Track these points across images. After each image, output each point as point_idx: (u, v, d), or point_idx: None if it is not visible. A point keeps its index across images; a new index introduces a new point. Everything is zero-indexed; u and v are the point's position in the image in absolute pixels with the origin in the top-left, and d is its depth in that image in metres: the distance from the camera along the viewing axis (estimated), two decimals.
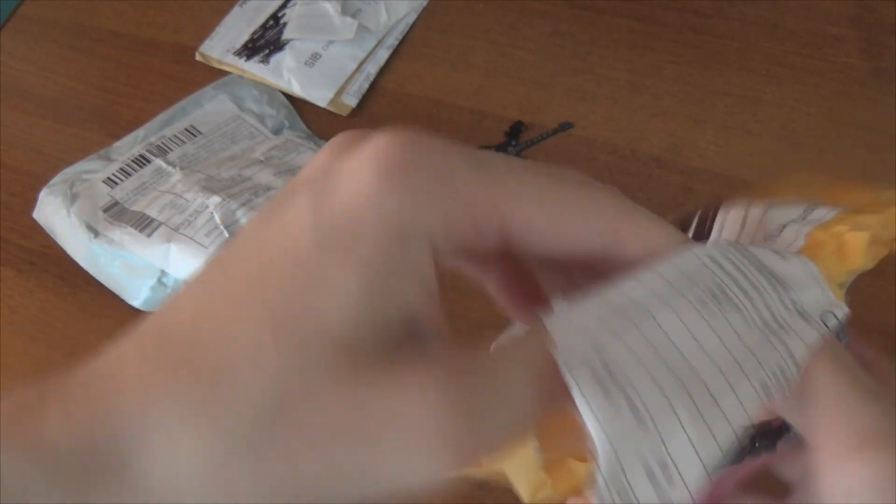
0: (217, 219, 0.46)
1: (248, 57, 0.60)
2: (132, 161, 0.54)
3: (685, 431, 0.18)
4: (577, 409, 0.18)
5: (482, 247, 0.19)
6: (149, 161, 0.53)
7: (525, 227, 0.19)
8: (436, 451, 0.17)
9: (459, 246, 0.19)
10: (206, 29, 0.63)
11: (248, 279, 0.18)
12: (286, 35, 0.60)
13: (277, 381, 0.17)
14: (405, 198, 0.17)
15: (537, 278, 0.23)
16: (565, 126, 0.52)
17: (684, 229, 0.28)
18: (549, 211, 0.19)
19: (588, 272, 0.20)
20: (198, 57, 0.62)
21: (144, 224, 0.48)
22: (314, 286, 0.17)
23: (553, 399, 0.18)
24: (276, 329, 0.17)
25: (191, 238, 0.46)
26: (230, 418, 0.17)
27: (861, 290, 0.45)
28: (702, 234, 0.27)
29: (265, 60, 0.59)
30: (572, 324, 0.19)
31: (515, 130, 0.54)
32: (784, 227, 0.27)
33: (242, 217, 0.46)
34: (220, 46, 0.62)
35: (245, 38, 0.61)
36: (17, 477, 0.16)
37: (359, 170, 0.18)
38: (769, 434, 0.26)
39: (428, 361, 0.18)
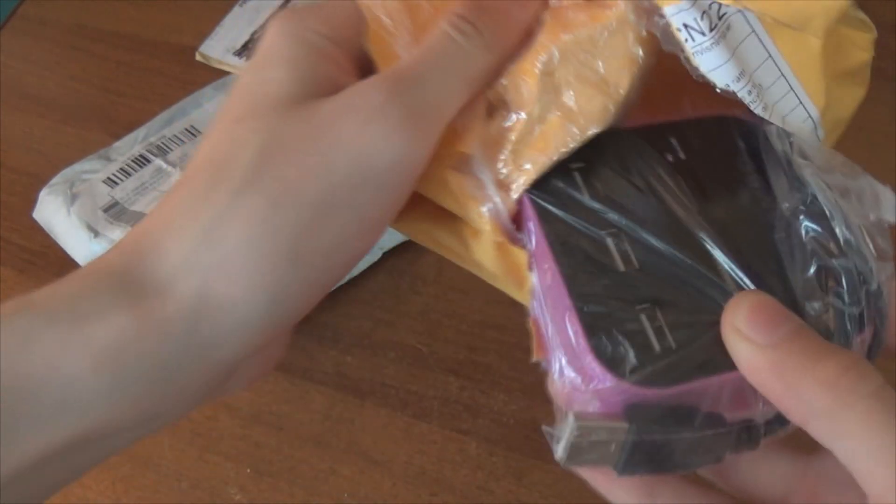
0: None
1: (249, 57, 0.60)
2: (132, 161, 0.54)
3: None
4: None
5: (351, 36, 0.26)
6: (149, 161, 0.53)
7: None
8: (383, 120, 0.22)
9: (339, 36, 0.25)
10: (206, 29, 0.63)
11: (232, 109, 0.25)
12: None
13: (247, 133, 0.23)
14: (300, 19, 0.25)
15: None
16: None
17: None
18: None
19: None
20: (198, 57, 0.62)
21: None
22: (259, 82, 0.24)
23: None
24: (241, 110, 0.24)
25: None
26: (226, 178, 0.22)
27: None
28: None
29: None
30: None
31: None
32: None
33: None
34: (220, 46, 0.62)
35: (245, 38, 0.62)
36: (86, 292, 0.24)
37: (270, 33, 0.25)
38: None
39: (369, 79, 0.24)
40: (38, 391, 0.21)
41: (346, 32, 0.26)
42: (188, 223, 0.23)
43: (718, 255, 0.24)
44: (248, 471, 0.45)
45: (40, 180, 0.55)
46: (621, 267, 0.24)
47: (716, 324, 0.22)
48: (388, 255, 0.50)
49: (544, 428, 0.23)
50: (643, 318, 0.23)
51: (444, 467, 0.44)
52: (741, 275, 0.24)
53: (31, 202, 0.54)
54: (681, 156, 0.26)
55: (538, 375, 0.48)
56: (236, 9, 0.64)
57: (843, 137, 0.50)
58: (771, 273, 0.24)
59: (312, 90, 0.24)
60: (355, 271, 0.49)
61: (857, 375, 0.19)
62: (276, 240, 0.22)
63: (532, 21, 0.25)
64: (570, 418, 0.22)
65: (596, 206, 0.25)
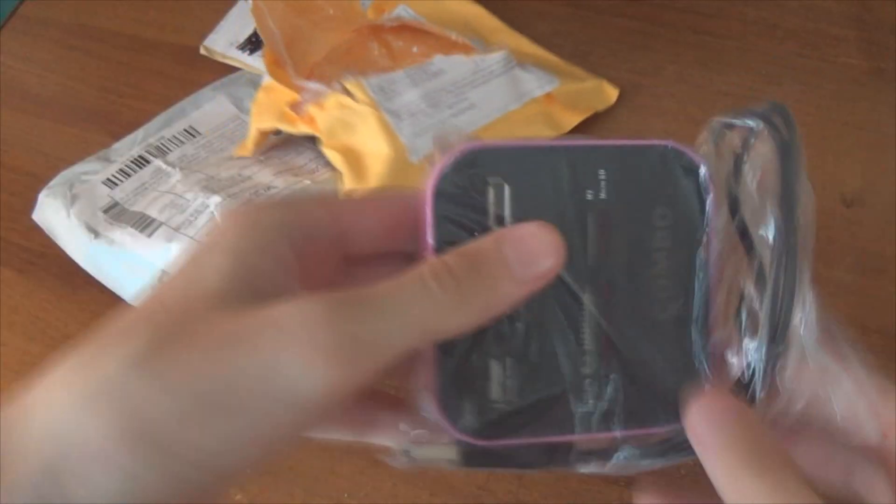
0: (218, 218, 0.46)
1: (252, 51, 0.60)
2: (132, 162, 0.54)
3: None
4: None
5: (323, 239, 0.24)
6: (148, 162, 0.53)
7: (354, 215, 0.25)
8: (308, 344, 0.21)
9: (307, 234, 0.24)
10: (206, 29, 0.63)
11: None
12: None
13: (164, 326, 0.22)
14: (256, 211, 0.24)
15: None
16: None
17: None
18: (371, 201, 0.26)
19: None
20: (202, 51, 0.62)
21: (145, 224, 0.48)
22: (195, 268, 0.23)
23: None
24: (164, 298, 0.23)
25: (192, 238, 0.46)
26: (118, 352, 0.22)
27: (861, 289, 0.46)
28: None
29: None
30: None
31: None
32: None
33: None
34: (224, 40, 0.62)
35: (249, 31, 0.62)
36: None
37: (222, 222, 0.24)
38: None
39: (307, 295, 0.22)
40: None
41: (323, 227, 0.24)
42: (62, 390, 0.21)
43: (593, 314, 0.25)
44: (248, 470, 0.45)
45: (40, 180, 0.55)
46: None
47: (558, 386, 0.25)
48: None
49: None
50: (493, 370, 0.25)
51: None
52: (610, 340, 0.25)
53: (31, 202, 0.54)
54: (601, 195, 0.25)
55: None
56: (241, 3, 0.64)
57: (844, 137, 0.50)
58: (654, 334, 0.25)
59: (246, 292, 0.22)
60: None
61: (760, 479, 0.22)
62: (151, 427, 0.20)
63: (524, 299, 0.24)
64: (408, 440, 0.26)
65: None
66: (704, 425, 0.23)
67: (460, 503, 0.42)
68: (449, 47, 0.52)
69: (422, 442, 0.25)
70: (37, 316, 0.52)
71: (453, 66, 0.50)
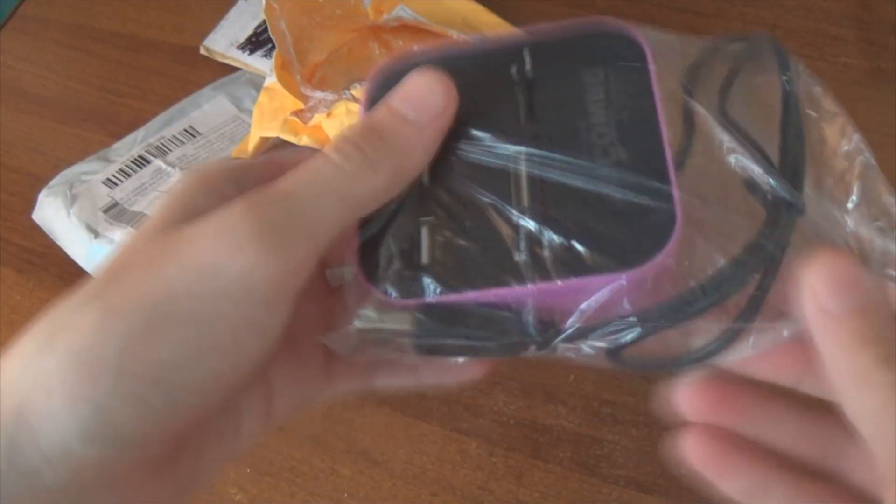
0: None
1: (252, 51, 0.60)
2: (132, 162, 0.54)
3: None
4: None
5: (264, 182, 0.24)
6: (148, 162, 0.53)
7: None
8: (233, 234, 0.21)
9: (250, 178, 0.24)
10: (206, 29, 0.63)
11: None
12: None
13: (111, 268, 0.22)
14: (207, 166, 0.25)
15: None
16: None
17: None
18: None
19: None
20: (202, 51, 0.62)
21: None
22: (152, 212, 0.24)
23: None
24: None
25: None
26: (73, 296, 0.22)
27: None
28: None
29: (268, 55, 0.59)
30: None
31: None
32: None
33: None
34: (224, 40, 0.62)
35: (249, 31, 0.62)
36: None
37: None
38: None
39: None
40: None
41: (265, 175, 0.25)
42: (26, 340, 0.22)
43: (529, 172, 0.24)
44: (248, 471, 0.45)
45: (40, 180, 0.55)
46: (425, 179, 0.25)
47: (492, 243, 0.24)
48: None
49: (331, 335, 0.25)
50: (423, 231, 0.24)
51: (444, 467, 0.44)
52: (548, 192, 0.24)
53: (31, 202, 0.54)
54: (528, 70, 0.26)
55: (538, 375, 0.48)
56: (241, 3, 0.64)
57: None
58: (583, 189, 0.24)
59: (186, 217, 0.23)
60: None
61: (888, 369, 0.20)
62: (101, 351, 0.21)
63: (430, 144, 0.24)
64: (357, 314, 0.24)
65: None
66: (830, 292, 0.20)
67: (460, 503, 0.42)
68: None
69: (371, 317, 0.24)
70: (37, 316, 0.52)
71: None
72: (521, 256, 0.23)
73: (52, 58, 0.65)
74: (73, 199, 0.52)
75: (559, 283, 0.23)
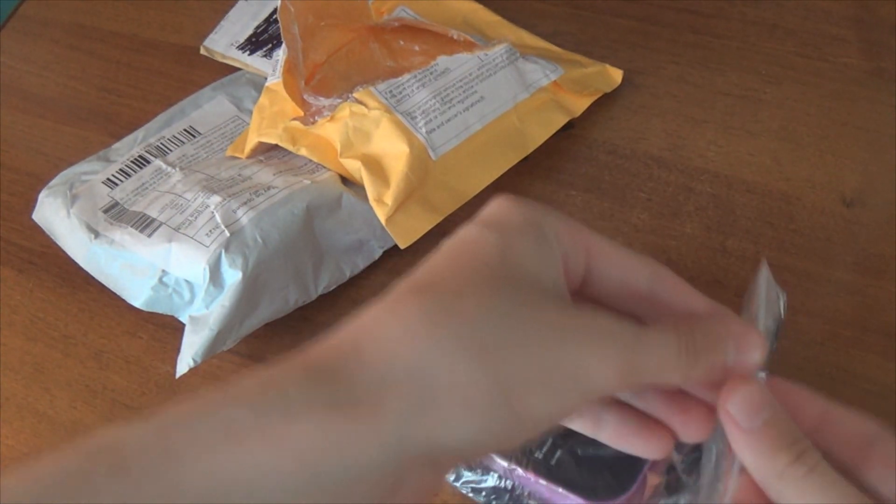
0: (218, 218, 0.46)
1: (252, 51, 0.60)
2: (132, 162, 0.54)
3: None
4: None
5: (574, 267, 0.28)
6: (148, 162, 0.53)
7: (602, 257, 0.28)
8: (614, 361, 0.25)
9: (572, 253, 0.28)
10: (206, 29, 0.63)
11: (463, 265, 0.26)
12: None
13: (507, 297, 0.25)
14: (533, 211, 0.27)
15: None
16: (566, 126, 0.52)
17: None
18: (616, 250, 0.29)
19: (637, 307, 0.29)
20: (202, 51, 0.62)
21: (145, 224, 0.48)
22: (513, 247, 0.26)
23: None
24: (499, 283, 0.25)
25: (192, 238, 0.46)
26: (468, 320, 0.24)
27: (861, 289, 0.46)
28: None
29: (268, 55, 0.59)
30: None
31: None
32: None
33: (243, 216, 0.46)
34: (224, 40, 0.62)
35: (249, 32, 0.62)
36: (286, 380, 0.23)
37: (501, 204, 0.28)
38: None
39: (611, 313, 0.26)
40: (241, 488, 0.21)
41: (582, 256, 0.28)
42: (423, 330, 0.24)
43: None
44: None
45: (40, 180, 0.55)
46: None
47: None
48: (388, 254, 0.50)
49: None
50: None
51: None
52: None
53: (31, 202, 0.54)
54: None
55: None
56: (241, 3, 0.64)
57: (844, 137, 0.50)
58: None
59: (556, 285, 0.27)
60: (355, 269, 0.49)
61: (802, 462, 0.26)
62: (504, 384, 0.23)
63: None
64: None
65: None
66: (744, 414, 0.26)
67: (460, 503, 0.42)
68: (450, 45, 0.53)
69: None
70: (37, 316, 0.52)
71: (458, 63, 0.50)
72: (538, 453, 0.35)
73: (52, 58, 0.65)
74: (73, 199, 0.52)
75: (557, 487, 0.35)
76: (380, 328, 0.24)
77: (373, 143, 0.48)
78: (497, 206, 0.28)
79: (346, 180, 0.50)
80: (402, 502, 0.24)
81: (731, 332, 0.28)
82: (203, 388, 0.47)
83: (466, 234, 0.27)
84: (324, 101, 0.49)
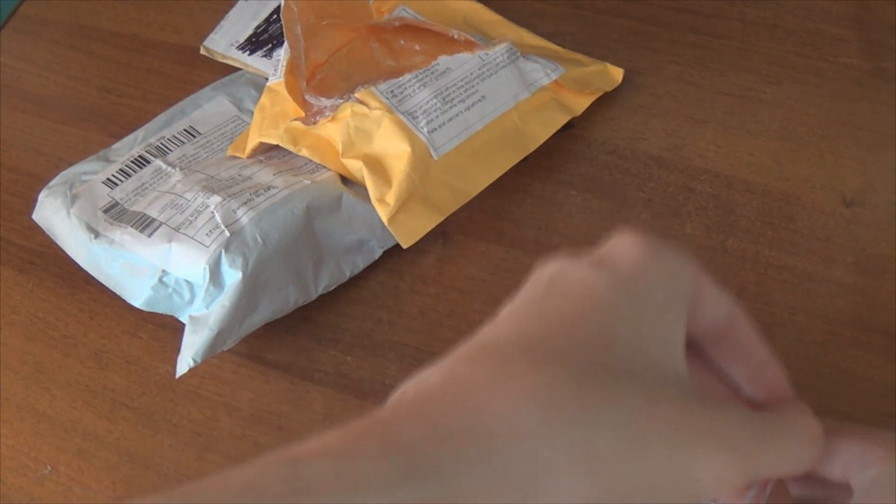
0: (218, 218, 0.46)
1: (252, 51, 0.60)
2: (132, 162, 0.54)
3: None
4: None
5: (703, 323, 0.26)
6: (148, 162, 0.53)
7: (705, 298, 0.26)
8: (734, 469, 0.23)
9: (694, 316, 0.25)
10: (205, 29, 0.63)
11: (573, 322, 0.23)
12: None
13: (634, 395, 0.22)
14: (674, 267, 0.25)
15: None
16: (565, 126, 0.52)
17: None
18: (714, 289, 0.26)
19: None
20: (202, 51, 0.62)
21: (145, 224, 0.48)
22: (635, 326, 0.23)
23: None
24: (620, 373, 0.22)
25: (192, 238, 0.46)
26: (587, 420, 0.21)
27: (861, 289, 0.46)
28: None
29: (268, 55, 0.59)
30: None
31: None
32: None
33: (243, 216, 0.46)
34: (224, 40, 0.62)
35: (249, 32, 0.61)
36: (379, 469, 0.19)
37: (630, 246, 0.25)
38: None
39: (730, 405, 0.24)
40: None
41: (691, 299, 0.25)
42: (527, 434, 0.20)
43: None
44: None
45: (40, 180, 0.55)
46: None
47: None
48: (388, 254, 0.50)
49: None
50: None
51: None
52: None
53: (31, 202, 0.54)
54: None
55: None
56: (241, 3, 0.64)
57: (844, 137, 0.50)
58: None
59: (681, 362, 0.24)
60: (355, 269, 0.49)
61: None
62: (608, 484, 0.21)
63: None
64: None
65: None
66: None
67: None
68: (451, 44, 0.53)
69: None
70: (37, 316, 0.52)
71: (458, 63, 0.50)
72: None
73: (52, 58, 0.65)
74: (73, 199, 0.52)
75: None
76: (484, 404, 0.21)
77: (374, 143, 0.48)
78: (630, 248, 0.24)
79: (346, 180, 0.50)
80: None
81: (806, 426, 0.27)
82: (216, 396, 0.47)
83: (589, 281, 0.23)
84: (325, 102, 0.49)
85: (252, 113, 0.57)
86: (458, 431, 0.20)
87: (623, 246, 0.24)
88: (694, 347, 0.27)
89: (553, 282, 0.24)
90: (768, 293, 0.45)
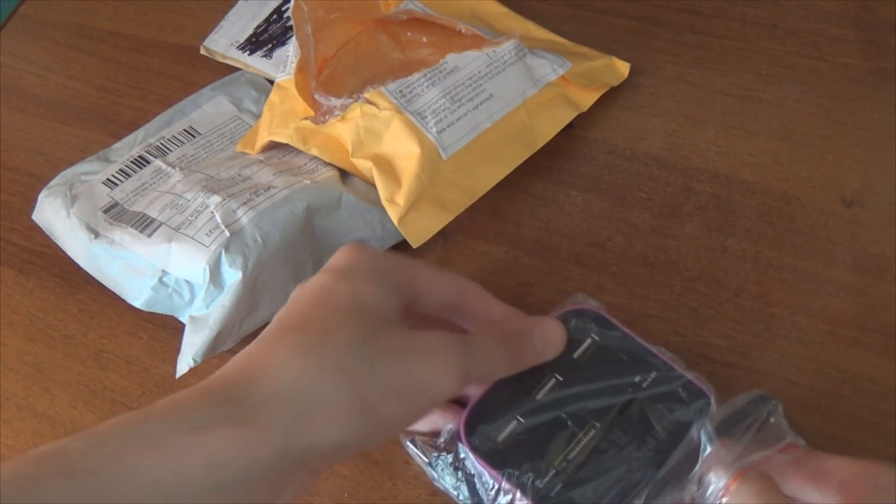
0: (218, 218, 0.46)
1: (252, 51, 0.60)
2: (132, 162, 0.54)
3: None
4: None
5: (407, 294, 0.36)
6: (148, 162, 0.53)
7: (423, 282, 0.37)
8: (451, 368, 0.33)
9: (403, 287, 0.36)
10: (206, 29, 0.63)
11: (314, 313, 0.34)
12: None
13: (359, 331, 0.32)
14: (373, 258, 0.36)
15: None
16: (566, 126, 0.52)
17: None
18: (434, 274, 0.37)
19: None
20: (202, 51, 0.62)
21: (145, 224, 0.48)
22: (357, 289, 0.34)
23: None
24: (353, 322, 0.33)
25: (192, 238, 0.46)
26: (330, 351, 0.31)
27: (861, 289, 0.46)
28: None
29: (268, 55, 0.59)
30: None
31: None
32: None
33: (243, 216, 0.46)
34: (224, 40, 0.62)
35: (249, 32, 0.61)
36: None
37: (341, 252, 0.36)
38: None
39: (443, 332, 0.35)
40: (161, 491, 0.27)
41: (411, 288, 0.36)
42: (298, 360, 0.31)
43: (591, 434, 0.37)
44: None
45: (40, 180, 0.55)
46: (539, 396, 0.38)
47: (537, 457, 0.37)
48: None
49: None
50: (512, 424, 0.38)
51: None
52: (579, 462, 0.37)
53: (31, 202, 0.54)
54: (636, 385, 0.39)
55: None
56: (241, 3, 0.64)
57: (844, 137, 0.50)
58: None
59: (396, 318, 0.34)
60: None
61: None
62: (363, 397, 0.31)
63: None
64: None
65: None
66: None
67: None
68: (458, 37, 0.53)
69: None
70: (37, 316, 0.52)
71: (467, 61, 0.50)
72: (539, 483, 0.36)
73: (52, 58, 0.65)
74: (73, 199, 0.52)
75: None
76: (263, 361, 0.31)
77: (384, 143, 0.48)
78: (345, 256, 0.35)
79: (346, 180, 0.50)
80: (285, 502, 0.30)
81: (534, 325, 0.38)
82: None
83: (322, 282, 0.34)
84: (335, 101, 0.49)
85: (252, 113, 0.57)
86: (250, 375, 0.31)
87: (337, 255, 0.36)
88: (443, 320, 0.38)
89: (299, 291, 0.35)
90: (768, 293, 0.45)
